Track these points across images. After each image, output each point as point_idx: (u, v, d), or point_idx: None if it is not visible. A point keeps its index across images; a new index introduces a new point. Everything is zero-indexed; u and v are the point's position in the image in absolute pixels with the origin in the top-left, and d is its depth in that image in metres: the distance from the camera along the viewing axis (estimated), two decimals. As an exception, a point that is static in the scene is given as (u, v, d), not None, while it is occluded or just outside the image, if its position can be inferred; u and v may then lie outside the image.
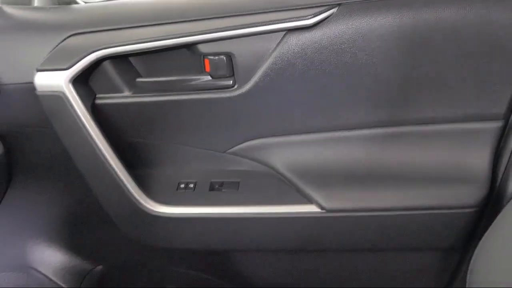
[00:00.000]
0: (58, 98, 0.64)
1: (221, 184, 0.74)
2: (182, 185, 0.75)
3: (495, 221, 0.53)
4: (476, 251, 0.52)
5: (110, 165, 0.68)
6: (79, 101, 0.65)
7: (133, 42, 0.65)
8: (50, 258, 0.87)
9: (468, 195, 0.66)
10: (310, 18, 0.62)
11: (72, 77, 0.64)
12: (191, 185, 0.74)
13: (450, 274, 0.77)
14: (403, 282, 0.79)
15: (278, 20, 0.63)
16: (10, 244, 0.85)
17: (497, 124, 0.66)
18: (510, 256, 0.46)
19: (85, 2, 0.79)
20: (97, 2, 0.77)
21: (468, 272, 0.52)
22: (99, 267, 0.89)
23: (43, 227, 0.85)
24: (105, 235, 0.84)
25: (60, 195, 0.79)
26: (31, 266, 0.86)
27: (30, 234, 0.85)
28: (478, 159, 0.68)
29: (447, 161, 0.68)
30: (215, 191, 0.73)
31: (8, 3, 0.74)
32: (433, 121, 0.67)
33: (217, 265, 0.83)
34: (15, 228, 0.84)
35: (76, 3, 0.81)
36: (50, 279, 0.86)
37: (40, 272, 0.86)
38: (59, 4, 0.80)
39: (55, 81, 0.64)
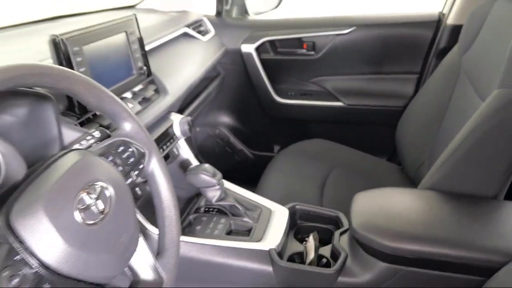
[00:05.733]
0: (249, 55, 1.62)
1: (305, 94, 1.70)
2: (289, 93, 1.71)
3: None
4: None
5: (265, 81, 1.66)
6: (257, 56, 1.62)
7: (278, 35, 1.61)
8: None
9: (401, 101, 1.57)
10: (345, 30, 1.54)
11: (255, 47, 1.61)
12: (293, 93, 1.70)
13: None
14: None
15: (332, 30, 1.56)
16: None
17: (416, 76, 1.56)
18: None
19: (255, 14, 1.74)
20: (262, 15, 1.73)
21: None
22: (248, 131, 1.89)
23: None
24: (253, 116, 1.82)
25: (237, 96, 1.79)
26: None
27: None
28: (408, 89, 1.58)
29: (395, 90, 1.60)
30: (303, 95, 1.70)
31: (228, 16, 1.71)
32: (390, 73, 1.59)
33: (296, 131, 1.78)
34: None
35: (248, 14, 1.76)
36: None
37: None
38: (241, 15, 1.75)
39: (249, 48, 1.62)
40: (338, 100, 1.65)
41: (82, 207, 0.49)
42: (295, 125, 1.79)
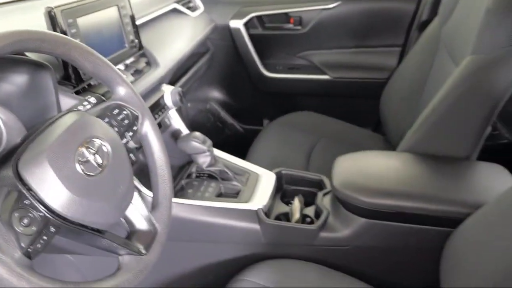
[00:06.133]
0: (238, 30, 1.66)
1: (292, 68, 1.74)
2: (277, 67, 1.75)
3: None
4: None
5: (253, 56, 1.70)
6: (245, 31, 1.66)
7: (265, 10, 1.64)
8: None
9: (385, 73, 1.62)
10: (331, 4, 1.58)
11: (243, 23, 1.65)
12: (281, 67, 1.75)
13: None
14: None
15: (318, 5, 1.60)
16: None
17: (399, 48, 1.61)
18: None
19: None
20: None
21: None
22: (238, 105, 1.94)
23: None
24: (243, 90, 1.86)
25: (226, 71, 1.83)
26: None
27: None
28: (391, 62, 1.63)
29: (379, 63, 1.65)
30: (290, 69, 1.74)
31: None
32: (374, 46, 1.64)
33: (285, 105, 1.83)
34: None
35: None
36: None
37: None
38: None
39: (237, 24, 1.65)
40: (324, 73, 1.70)
41: (83, 160, 0.54)
42: (283, 99, 1.84)
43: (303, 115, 1.62)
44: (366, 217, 0.88)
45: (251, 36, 1.69)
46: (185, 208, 0.94)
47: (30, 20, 0.96)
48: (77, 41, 0.63)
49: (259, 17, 1.68)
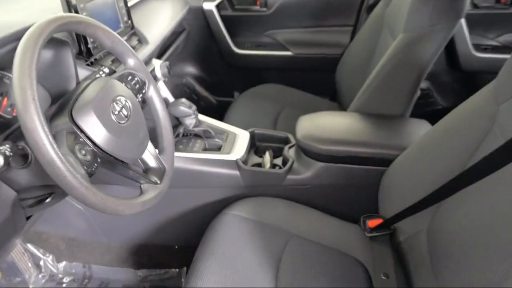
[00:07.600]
0: (211, 12, 1.84)
1: (259, 45, 1.94)
2: (246, 45, 1.95)
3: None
4: None
5: (224, 34, 1.88)
6: (217, 13, 1.84)
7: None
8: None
9: (339, 49, 1.85)
10: (292, -11, 1.79)
11: (215, 5, 1.83)
12: (250, 45, 1.94)
13: None
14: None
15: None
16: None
17: (351, 28, 1.84)
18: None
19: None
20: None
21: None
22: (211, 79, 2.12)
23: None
24: (215, 66, 2.05)
25: (200, 49, 2.01)
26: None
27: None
28: (345, 39, 1.86)
29: (334, 40, 1.87)
30: (258, 46, 1.94)
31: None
32: (330, 26, 1.86)
33: (253, 78, 2.04)
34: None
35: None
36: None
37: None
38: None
39: (210, 6, 1.83)
40: (287, 50, 1.91)
41: (114, 112, 0.73)
42: (252, 73, 2.04)
43: (269, 87, 1.83)
44: (322, 161, 1.12)
45: (222, 17, 1.88)
46: (178, 159, 1.14)
47: (42, 3, 1.12)
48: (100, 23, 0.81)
49: (229, 0, 1.87)
